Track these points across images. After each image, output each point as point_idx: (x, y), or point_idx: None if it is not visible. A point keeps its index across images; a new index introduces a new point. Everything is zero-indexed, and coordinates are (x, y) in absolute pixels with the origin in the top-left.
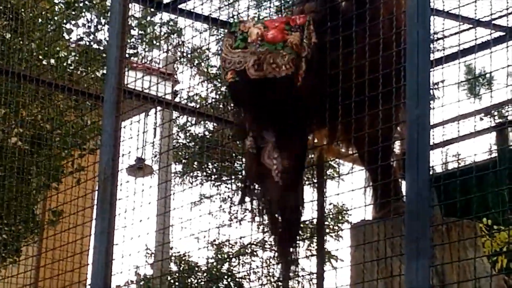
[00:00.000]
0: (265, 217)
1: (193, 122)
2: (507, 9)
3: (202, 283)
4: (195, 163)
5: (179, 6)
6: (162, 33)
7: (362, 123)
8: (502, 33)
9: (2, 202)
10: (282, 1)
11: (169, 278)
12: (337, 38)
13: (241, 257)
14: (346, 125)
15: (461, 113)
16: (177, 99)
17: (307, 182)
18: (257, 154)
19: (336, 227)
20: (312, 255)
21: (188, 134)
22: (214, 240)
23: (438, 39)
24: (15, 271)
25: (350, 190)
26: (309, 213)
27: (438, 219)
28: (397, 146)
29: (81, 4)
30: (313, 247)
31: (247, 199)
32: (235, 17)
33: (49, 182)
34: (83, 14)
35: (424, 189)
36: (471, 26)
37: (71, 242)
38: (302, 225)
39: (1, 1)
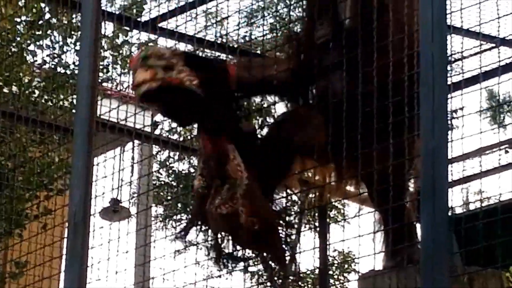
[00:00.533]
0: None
1: (176, 157)
2: None
3: None
4: (179, 204)
5: (159, 25)
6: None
7: (371, 158)
8: None
9: None
10: (277, 18)
11: None
12: (340, 61)
13: None
14: (353, 160)
15: (483, 144)
16: (157, 131)
17: (307, 226)
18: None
19: (342, 278)
20: None
21: (170, 171)
22: None
23: (456, 60)
24: None
25: (357, 235)
26: (310, 261)
27: (459, 268)
28: (411, 184)
29: (45, 23)
30: None
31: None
32: (224, 37)
33: (11, 229)
34: (48, 34)
35: (442, 234)
36: (493, 45)
37: None
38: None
39: None
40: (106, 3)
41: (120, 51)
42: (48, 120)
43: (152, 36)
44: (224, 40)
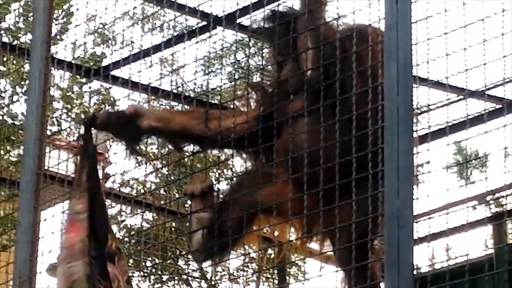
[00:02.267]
0: None
1: (128, 212)
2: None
3: None
4: (131, 261)
5: (112, 73)
6: (91, 105)
7: (333, 216)
8: (498, 106)
9: None
10: (236, 66)
11: None
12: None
13: None
14: (317, 217)
15: (450, 201)
16: (108, 184)
17: (266, 284)
18: None
19: None
20: None
21: (121, 226)
22: None
23: (422, 112)
24: None
25: None
26: None
27: None
28: (376, 243)
29: None
30: None
31: None
32: (181, 86)
33: None
34: None
35: None
36: (461, 97)
37: None
38: None
39: None
40: (56, 51)
41: (72, 102)
42: None
43: (106, 85)
44: (181, 89)
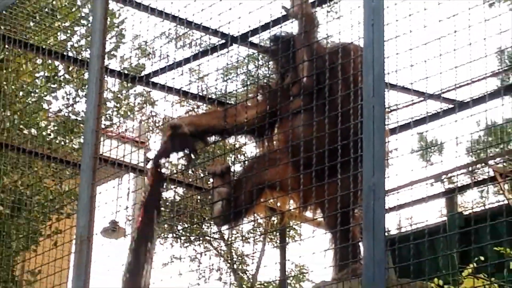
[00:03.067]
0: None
1: (164, 187)
2: (455, 84)
3: None
4: (166, 225)
5: (152, 80)
6: (136, 105)
7: (323, 190)
8: (451, 106)
9: None
10: (247, 75)
11: None
12: (298, 111)
13: None
14: (311, 193)
15: (413, 179)
16: (149, 166)
17: (270, 244)
18: None
19: (298, 287)
20: None
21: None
22: None
23: (392, 111)
24: None
25: (311, 252)
26: (274, 272)
27: (393, 281)
28: (357, 211)
29: (60, 78)
30: None
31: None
32: (205, 90)
33: (28, 245)
34: (62, 87)
35: (379, 253)
36: (422, 99)
37: None
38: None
39: None
40: (109, 63)
41: (121, 103)
42: (60, 156)
43: (147, 89)
44: (205, 93)
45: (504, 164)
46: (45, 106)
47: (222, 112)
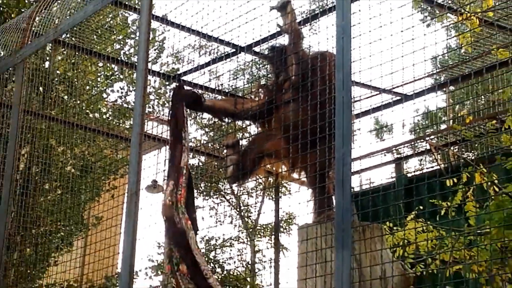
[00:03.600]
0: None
1: (191, 156)
2: (402, 81)
3: None
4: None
5: (182, 78)
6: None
7: (307, 158)
8: (399, 97)
9: (60, 210)
10: (251, 75)
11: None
12: (289, 100)
13: (223, 248)
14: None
15: (372, 150)
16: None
17: (267, 197)
18: None
19: (288, 228)
20: (271, 247)
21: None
22: (205, 236)
23: (356, 101)
24: (68, 257)
25: (297, 203)
26: (270, 218)
27: (356, 223)
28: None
29: (115, 77)
30: (272, 241)
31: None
32: (220, 86)
33: (93, 197)
34: (117, 83)
35: (347, 203)
36: (378, 92)
37: (107, 238)
38: (263, 227)
39: (60, 74)
40: (151, 66)
41: (160, 95)
42: (116, 133)
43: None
44: (220, 88)
45: (437, 140)
46: (104, 96)
47: (233, 101)
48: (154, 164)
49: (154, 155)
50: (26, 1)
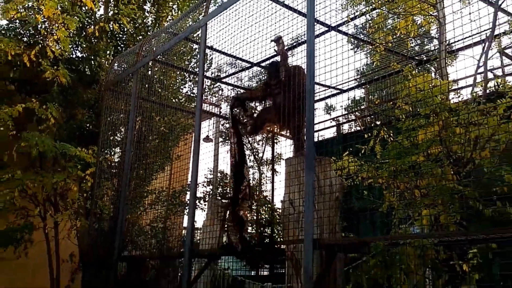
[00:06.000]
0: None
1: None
2: (342, 80)
3: None
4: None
5: (225, 80)
6: (216, 90)
7: (290, 123)
8: (339, 91)
9: (158, 150)
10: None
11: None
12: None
13: None
14: (287, 124)
15: (326, 126)
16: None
17: (268, 144)
18: None
19: (279, 160)
20: (270, 170)
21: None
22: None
23: (316, 93)
24: (162, 176)
25: (283, 146)
26: (269, 155)
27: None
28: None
29: (186, 79)
30: (270, 167)
31: None
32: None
33: (175, 144)
34: (187, 83)
35: (312, 147)
36: (328, 88)
37: (183, 166)
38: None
39: (157, 78)
40: (205, 74)
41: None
42: (187, 109)
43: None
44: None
45: (359, 114)
46: (180, 90)
47: (249, 93)
48: (210, 125)
49: (208, 120)
50: (141, 35)
